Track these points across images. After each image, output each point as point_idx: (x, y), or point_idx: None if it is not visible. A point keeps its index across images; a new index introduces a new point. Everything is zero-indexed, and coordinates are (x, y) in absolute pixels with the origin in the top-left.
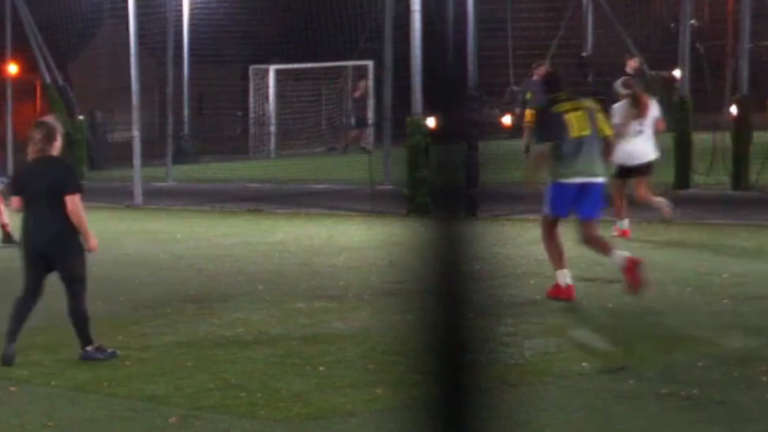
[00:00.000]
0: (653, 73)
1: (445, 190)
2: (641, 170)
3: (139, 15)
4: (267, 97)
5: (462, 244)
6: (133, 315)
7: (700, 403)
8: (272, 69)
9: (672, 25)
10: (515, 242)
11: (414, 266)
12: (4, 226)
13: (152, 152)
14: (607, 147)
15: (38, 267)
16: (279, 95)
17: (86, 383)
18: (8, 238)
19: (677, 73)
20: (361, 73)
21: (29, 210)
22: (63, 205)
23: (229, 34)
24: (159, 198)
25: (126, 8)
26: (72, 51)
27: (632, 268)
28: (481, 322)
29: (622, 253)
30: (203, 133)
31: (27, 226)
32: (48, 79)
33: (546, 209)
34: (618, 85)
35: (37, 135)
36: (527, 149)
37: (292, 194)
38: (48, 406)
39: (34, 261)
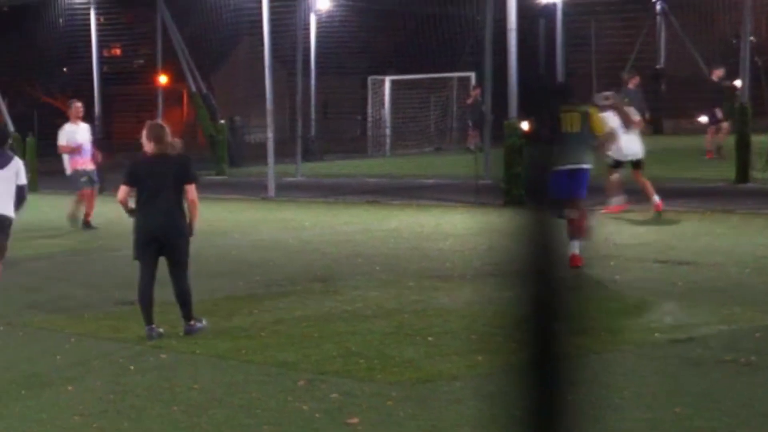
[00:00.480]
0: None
1: (536, 184)
2: (634, 164)
3: (272, 32)
4: (383, 104)
5: (551, 230)
6: (268, 292)
7: (758, 368)
8: (388, 79)
9: (734, 41)
10: (596, 230)
11: (510, 250)
12: (86, 215)
13: (284, 151)
14: (600, 143)
15: (151, 249)
16: (393, 102)
17: (226, 351)
18: (87, 225)
19: (738, 82)
20: (463, 83)
21: (149, 199)
22: (181, 194)
23: (350, 48)
24: (289, 191)
25: (261, 26)
26: (214, 63)
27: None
28: (568, 297)
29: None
30: (328, 134)
31: (145, 214)
32: (193, 88)
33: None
34: (599, 98)
35: (151, 134)
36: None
37: (404, 188)
38: (193, 371)
39: (149, 243)
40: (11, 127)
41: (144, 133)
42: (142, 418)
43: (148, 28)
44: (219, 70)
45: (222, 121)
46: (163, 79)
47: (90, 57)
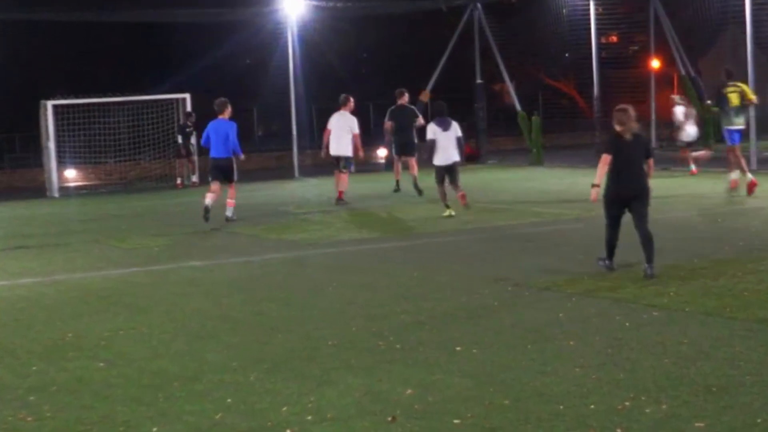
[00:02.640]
0: None
1: None
2: (689, 144)
3: (753, 22)
4: None
5: None
6: (750, 256)
7: None
8: None
9: None
10: None
11: None
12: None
13: (766, 129)
14: (749, 103)
15: (618, 205)
16: None
17: (713, 308)
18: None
19: None
20: None
21: (621, 166)
22: (643, 163)
23: None
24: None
25: (744, 16)
26: (702, 49)
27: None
28: None
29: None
30: None
31: (617, 179)
32: (683, 72)
33: (729, 143)
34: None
35: (624, 117)
36: None
37: None
38: (683, 326)
39: (616, 200)
40: (518, 106)
41: (614, 115)
42: (636, 369)
43: (642, 17)
44: (706, 55)
45: (708, 102)
46: (655, 63)
47: (589, 44)
